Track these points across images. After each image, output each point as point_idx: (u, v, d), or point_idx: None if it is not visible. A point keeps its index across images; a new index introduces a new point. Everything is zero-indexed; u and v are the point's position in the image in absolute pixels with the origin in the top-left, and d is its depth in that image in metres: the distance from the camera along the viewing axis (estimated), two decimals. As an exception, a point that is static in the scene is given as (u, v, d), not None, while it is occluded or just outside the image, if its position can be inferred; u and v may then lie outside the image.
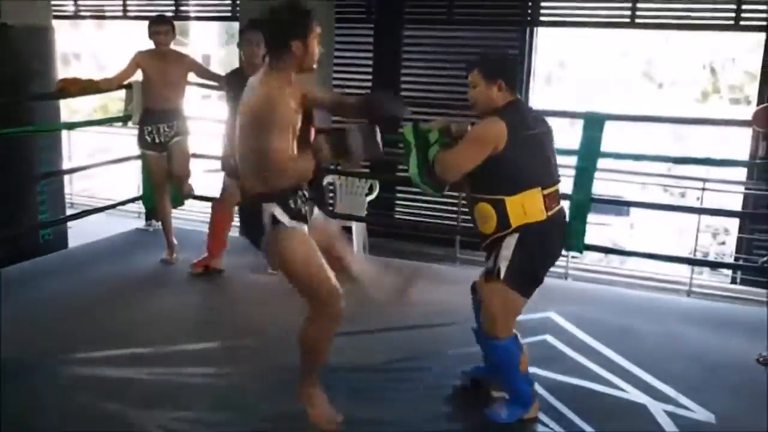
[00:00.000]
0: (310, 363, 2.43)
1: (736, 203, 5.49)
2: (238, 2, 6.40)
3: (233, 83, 3.97)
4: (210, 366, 2.94)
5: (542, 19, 5.76)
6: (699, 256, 6.02)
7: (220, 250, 4.13)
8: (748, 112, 3.87)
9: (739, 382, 2.95)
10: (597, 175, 3.85)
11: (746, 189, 5.29)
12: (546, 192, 2.43)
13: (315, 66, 2.30)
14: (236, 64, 4.82)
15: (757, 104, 5.09)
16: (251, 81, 2.30)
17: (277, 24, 2.25)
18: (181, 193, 4.39)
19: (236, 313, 3.66)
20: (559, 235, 2.53)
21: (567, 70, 13.70)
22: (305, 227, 2.32)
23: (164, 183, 4.29)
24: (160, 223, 4.48)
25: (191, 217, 6.13)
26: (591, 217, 3.99)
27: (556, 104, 8.60)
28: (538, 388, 2.79)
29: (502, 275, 2.42)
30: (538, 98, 6.11)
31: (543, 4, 5.71)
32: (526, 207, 2.39)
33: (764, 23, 5.22)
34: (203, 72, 4.32)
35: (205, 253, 4.13)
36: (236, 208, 4.12)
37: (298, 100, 2.31)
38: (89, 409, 2.59)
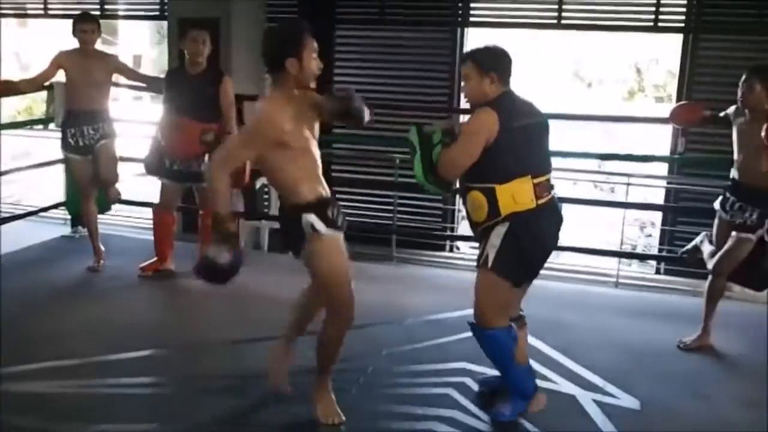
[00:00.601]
0: (322, 364, 2.52)
1: (661, 197, 5.73)
2: (166, 0, 6.24)
3: (173, 82, 3.90)
4: (138, 376, 2.85)
5: (472, 19, 5.85)
6: (627, 248, 6.24)
7: (169, 252, 4.09)
8: (669, 109, 4.04)
9: (662, 368, 3.08)
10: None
11: (668, 183, 5.53)
12: (536, 181, 2.44)
13: (312, 83, 2.34)
14: (167, 65, 4.72)
15: (676, 102, 5.33)
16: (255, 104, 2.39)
17: (270, 44, 2.30)
18: (108, 198, 4.27)
19: (166, 320, 3.57)
20: (553, 223, 2.53)
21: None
22: (339, 235, 2.42)
23: (90, 188, 4.16)
24: (86, 229, 4.34)
25: (119, 222, 5.94)
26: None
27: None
28: (471, 383, 2.85)
29: (489, 263, 2.43)
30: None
31: (472, 5, 5.81)
32: (516, 195, 2.40)
33: (681, 25, 5.48)
34: (130, 73, 4.20)
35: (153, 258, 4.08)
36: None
37: (308, 114, 2.37)
38: (4, 427, 2.47)
